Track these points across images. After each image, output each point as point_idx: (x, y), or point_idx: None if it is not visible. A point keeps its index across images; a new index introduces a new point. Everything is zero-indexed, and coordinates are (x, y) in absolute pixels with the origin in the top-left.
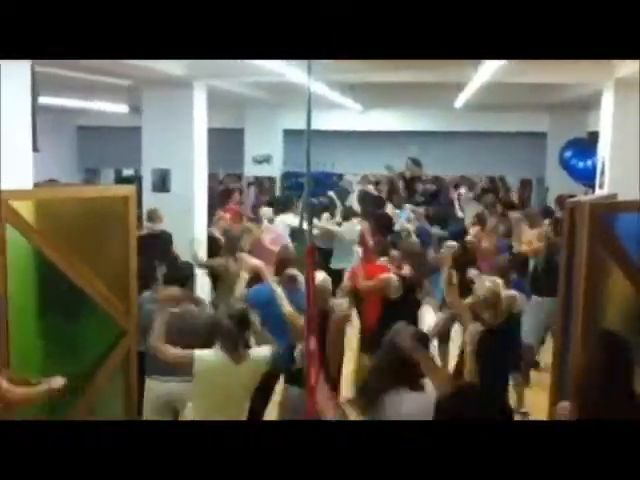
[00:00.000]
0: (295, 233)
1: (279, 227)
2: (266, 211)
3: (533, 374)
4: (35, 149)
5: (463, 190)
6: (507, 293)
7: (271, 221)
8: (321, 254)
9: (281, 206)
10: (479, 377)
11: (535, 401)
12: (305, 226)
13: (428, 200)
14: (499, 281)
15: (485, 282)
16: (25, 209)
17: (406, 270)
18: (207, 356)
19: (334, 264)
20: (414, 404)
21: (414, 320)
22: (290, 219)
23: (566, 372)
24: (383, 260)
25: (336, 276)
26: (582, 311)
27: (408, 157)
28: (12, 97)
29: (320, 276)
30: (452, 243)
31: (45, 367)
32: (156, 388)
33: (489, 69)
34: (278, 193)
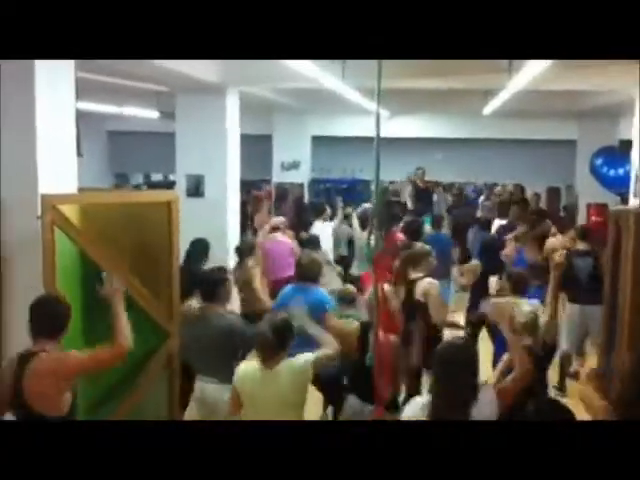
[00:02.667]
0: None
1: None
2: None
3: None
4: (79, 154)
5: (482, 198)
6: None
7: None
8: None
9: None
10: None
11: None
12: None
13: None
14: (536, 305)
15: (524, 306)
16: (72, 213)
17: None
18: (245, 368)
19: (355, 270)
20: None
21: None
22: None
23: (611, 381)
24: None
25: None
26: (629, 320)
27: (417, 167)
28: (58, 102)
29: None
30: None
31: None
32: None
33: (525, 77)
34: (307, 199)
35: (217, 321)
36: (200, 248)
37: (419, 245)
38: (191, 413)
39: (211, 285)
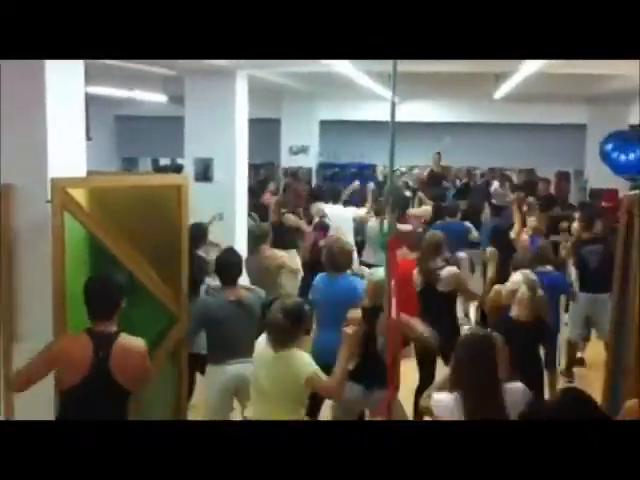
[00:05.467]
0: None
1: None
2: (317, 207)
3: (584, 372)
4: (88, 138)
5: (496, 184)
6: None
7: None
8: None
9: (330, 197)
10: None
11: None
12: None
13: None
14: (531, 275)
15: (515, 275)
16: (81, 196)
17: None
18: (259, 343)
19: (365, 258)
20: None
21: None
22: (338, 210)
23: (620, 370)
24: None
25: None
26: (639, 308)
27: (435, 152)
28: (67, 86)
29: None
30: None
31: None
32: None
33: (539, 60)
34: (314, 184)
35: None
36: (200, 232)
37: (431, 233)
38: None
39: (236, 268)
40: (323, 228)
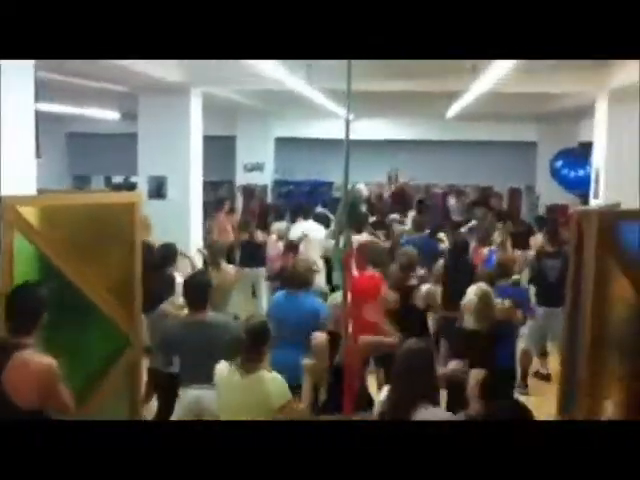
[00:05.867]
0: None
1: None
2: (278, 226)
3: (540, 384)
4: (38, 155)
5: (452, 201)
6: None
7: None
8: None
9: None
10: None
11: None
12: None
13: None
14: (484, 287)
15: (470, 288)
16: (32, 215)
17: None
18: (221, 369)
19: (336, 281)
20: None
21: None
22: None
23: (574, 380)
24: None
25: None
26: (590, 320)
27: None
28: (16, 103)
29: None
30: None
31: None
32: (184, 396)
33: (491, 78)
34: (270, 201)
35: (224, 326)
36: (170, 252)
37: (404, 249)
38: None
39: (205, 290)
40: (292, 250)
